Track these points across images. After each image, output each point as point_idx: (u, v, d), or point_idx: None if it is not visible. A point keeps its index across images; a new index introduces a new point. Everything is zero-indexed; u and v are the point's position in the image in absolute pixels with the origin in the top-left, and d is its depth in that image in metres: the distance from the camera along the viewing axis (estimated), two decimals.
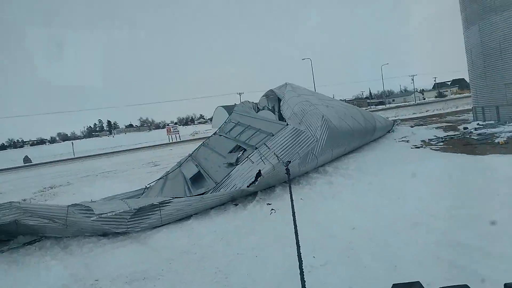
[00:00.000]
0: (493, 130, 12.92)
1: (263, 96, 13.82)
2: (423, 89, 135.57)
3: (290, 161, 8.02)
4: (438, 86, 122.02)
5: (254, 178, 7.71)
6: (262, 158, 8.13)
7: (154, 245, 6.11)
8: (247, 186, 7.69)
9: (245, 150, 9.29)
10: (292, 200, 3.81)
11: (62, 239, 6.81)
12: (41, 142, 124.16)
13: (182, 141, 42.66)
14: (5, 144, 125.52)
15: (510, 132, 11.96)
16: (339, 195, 7.50)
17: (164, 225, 6.99)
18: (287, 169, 4.55)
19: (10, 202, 6.59)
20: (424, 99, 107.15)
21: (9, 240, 7.08)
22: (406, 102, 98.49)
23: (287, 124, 9.17)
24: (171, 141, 45.70)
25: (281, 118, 10.70)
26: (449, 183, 7.17)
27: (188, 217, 7.35)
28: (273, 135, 8.82)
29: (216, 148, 10.80)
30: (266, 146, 8.47)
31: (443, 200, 6.07)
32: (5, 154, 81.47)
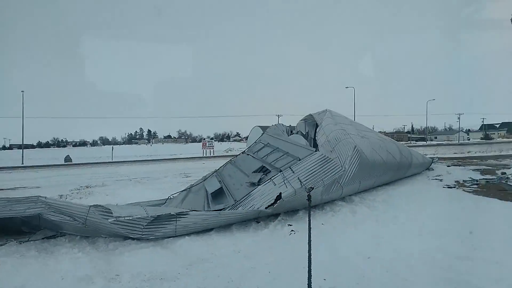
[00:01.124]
0: None
1: (301, 120, 13.70)
2: (469, 129, 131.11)
3: (313, 188, 7.90)
4: (485, 127, 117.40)
5: (273, 200, 7.69)
6: (285, 181, 8.14)
7: (175, 250, 6.38)
8: (266, 208, 7.66)
9: (269, 171, 9.24)
10: (309, 225, 3.98)
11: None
12: (83, 143, 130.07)
13: (216, 156, 43.42)
14: (50, 142, 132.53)
15: None
16: (361, 224, 7.49)
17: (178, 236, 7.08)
18: (309, 195, 4.60)
19: (37, 196, 7.01)
20: (469, 139, 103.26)
21: (31, 232, 7.49)
22: (449, 140, 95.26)
23: (316, 151, 9.18)
24: (205, 155, 46.63)
25: (316, 144, 10.75)
26: (475, 226, 7.01)
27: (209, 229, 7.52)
28: (300, 160, 8.81)
29: (241, 167, 10.88)
30: (291, 169, 8.49)
31: (465, 241, 5.99)
32: (49, 151, 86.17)
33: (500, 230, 6.81)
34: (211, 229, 7.51)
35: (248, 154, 11.94)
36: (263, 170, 9.50)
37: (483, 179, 13.21)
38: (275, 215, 8.26)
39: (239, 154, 12.80)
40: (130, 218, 6.80)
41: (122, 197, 12.16)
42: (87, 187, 16.49)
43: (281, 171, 8.58)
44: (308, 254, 3.52)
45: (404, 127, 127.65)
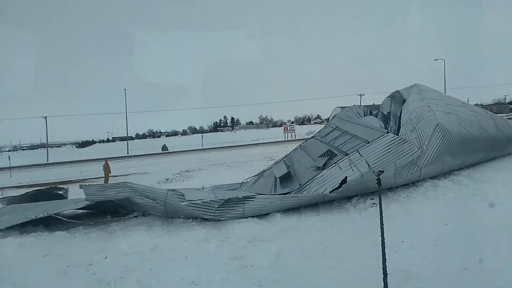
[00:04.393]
0: None
1: (387, 97, 12.52)
2: None
3: (383, 171, 7.76)
4: None
5: (338, 184, 7.76)
6: (351, 165, 8.01)
7: (269, 220, 7.49)
8: (330, 192, 7.78)
9: (335, 155, 9.06)
10: (381, 209, 4.47)
11: None
12: (174, 134, 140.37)
13: (297, 140, 44.29)
14: (146, 133, 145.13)
15: None
16: (442, 197, 7.83)
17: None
18: (378, 179, 4.80)
19: (125, 182, 7.97)
20: None
21: (127, 214, 8.68)
22: None
23: (388, 132, 8.73)
24: (286, 139, 47.81)
25: (400, 123, 9.87)
26: None
27: None
28: (368, 143, 8.43)
29: (309, 151, 10.84)
30: (359, 153, 8.24)
31: None
32: (146, 142, 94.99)
33: None
34: None
35: (316, 139, 11.81)
36: (330, 154, 9.48)
37: None
38: None
39: (308, 139, 12.80)
40: (202, 201, 7.54)
41: (219, 178, 13.73)
42: (187, 171, 18.63)
43: (347, 154, 8.49)
44: (381, 221, 4.15)
45: (505, 98, 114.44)
